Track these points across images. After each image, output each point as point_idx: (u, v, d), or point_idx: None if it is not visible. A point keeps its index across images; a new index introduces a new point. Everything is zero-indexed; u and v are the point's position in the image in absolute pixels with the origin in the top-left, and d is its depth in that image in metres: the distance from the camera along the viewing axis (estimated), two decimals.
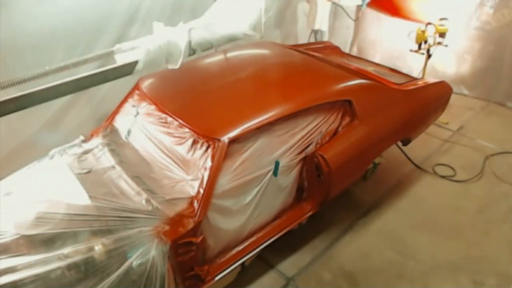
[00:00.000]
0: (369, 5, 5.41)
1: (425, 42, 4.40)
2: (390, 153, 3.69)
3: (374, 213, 3.53)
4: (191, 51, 2.61)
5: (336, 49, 4.27)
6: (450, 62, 5.19)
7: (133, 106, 2.95)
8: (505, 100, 5.08)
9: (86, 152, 2.73)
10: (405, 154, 4.03)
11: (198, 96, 2.81)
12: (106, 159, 2.64)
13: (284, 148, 2.67)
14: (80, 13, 3.16)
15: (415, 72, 4.54)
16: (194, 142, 2.46)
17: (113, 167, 2.56)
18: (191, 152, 2.46)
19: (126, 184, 2.42)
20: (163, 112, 2.68)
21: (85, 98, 3.52)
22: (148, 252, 2.07)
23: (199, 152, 2.42)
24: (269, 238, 2.77)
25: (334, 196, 3.08)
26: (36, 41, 2.97)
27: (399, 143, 3.75)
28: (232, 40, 2.77)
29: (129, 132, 2.88)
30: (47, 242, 2.08)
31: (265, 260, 3.07)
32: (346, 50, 4.77)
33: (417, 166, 4.04)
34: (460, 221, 3.45)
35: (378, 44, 5.37)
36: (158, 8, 3.62)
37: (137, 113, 2.89)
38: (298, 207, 2.99)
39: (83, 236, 2.10)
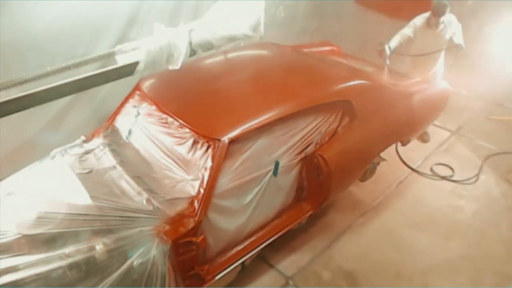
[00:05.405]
0: (369, 6, 5.44)
1: None
2: (389, 153, 3.70)
3: (373, 213, 3.55)
4: (192, 52, 2.62)
5: (336, 50, 4.28)
6: (449, 63, 5.21)
7: (134, 106, 2.96)
8: (504, 101, 5.10)
9: (87, 152, 2.75)
10: (401, 159, 4.06)
11: (198, 97, 2.82)
12: (107, 159, 2.65)
13: (284, 148, 2.69)
14: (81, 14, 3.17)
15: None
16: (195, 142, 2.48)
17: (114, 167, 2.58)
18: (191, 152, 2.47)
19: (127, 184, 2.44)
20: (164, 112, 2.70)
21: (86, 99, 3.53)
22: (148, 251, 2.09)
23: (199, 152, 2.44)
24: (269, 237, 2.79)
25: (333, 196, 3.09)
26: (38, 41, 2.98)
27: (399, 143, 3.77)
28: (232, 41, 2.78)
29: (130, 132, 2.90)
30: (48, 241, 2.09)
31: (265, 260, 3.09)
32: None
33: (413, 169, 4.04)
34: (458, 220, 3.46)
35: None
36: (159, 9, 3.63)
37: (138, 114, 2.90)
38: (297, 207, 3.00)
39: (84, 236, 2.12)
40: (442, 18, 3.83)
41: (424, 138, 4.36)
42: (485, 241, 3.27)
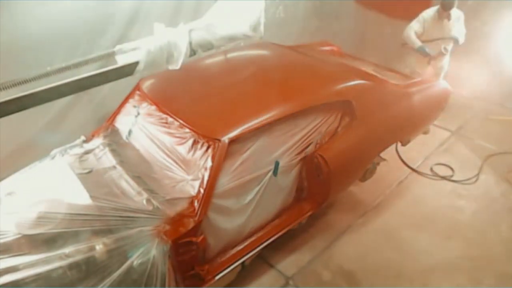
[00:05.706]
0: (369, 6, 5.45)
1: None
2: (389, 153, 3.71)
3: (373, 213, 3.55)
4: (192, 52, 2.63)
5: (336, 49, 4.29)
6: (449, 62, 5.21)
7: (134, 106, 2.96)
8: (504, 101, 5.10)
9: (87, 152, 2.75)
10: (401, 159, 4.05)
11: (198, 97, 2.82)
12: (107, 159, 2.65)
13: (284, 148, 2.69)
14: (81, 14, 3.18)
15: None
16: (195, 142, 2.48)
17: (114, 167, 2.58)
18: (191, 152, 2.47)
19: (127, 184, 2.44)
20: (164, 112, 2.70)
21: (86, 99, 3.53)
22: (148, 251, 2.09)
23: (199, 152, 2.44)
24: (269, 237, 2.79)
25: (333, 196, 3.09)
26: (38, 41, 2.98)
27: (399, 143, 3.77)
28: (232, 41, 2.78)
29: (130, 132, 2.90)
30: (48, 241, 2.09)
31: (265, 260, 3.09)
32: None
33: (413, 169, 4.04)
34: (458, 220, 3.47)
35: (378, 45, 5.39)
36: (159, 9, 3.63)
37: (138, 114, 2.90)
38: (297, 207, 3.00)
39: (84, 236, 2.12)
40: (452, 11, 4.10)
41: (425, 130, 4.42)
42: (485, 241, 3.27)
